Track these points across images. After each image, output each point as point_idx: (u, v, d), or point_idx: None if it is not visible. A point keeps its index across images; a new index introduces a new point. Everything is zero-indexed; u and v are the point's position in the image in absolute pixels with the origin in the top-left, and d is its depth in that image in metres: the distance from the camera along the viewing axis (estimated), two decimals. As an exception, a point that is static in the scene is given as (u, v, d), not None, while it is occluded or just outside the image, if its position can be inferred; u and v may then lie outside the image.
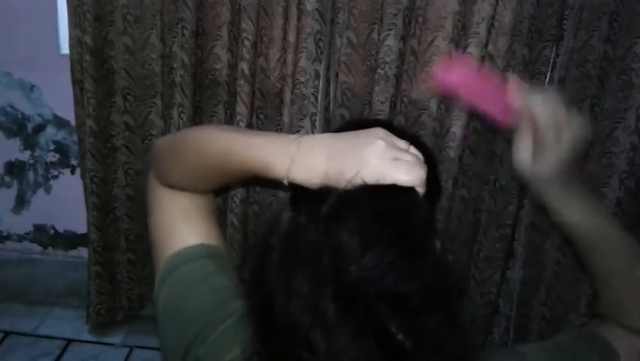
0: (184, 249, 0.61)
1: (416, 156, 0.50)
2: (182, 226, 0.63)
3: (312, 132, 1.28)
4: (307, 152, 0.49)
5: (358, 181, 0.46)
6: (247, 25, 1.20)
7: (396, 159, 0.47)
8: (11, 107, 1.47)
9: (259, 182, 0.60)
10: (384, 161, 0.47)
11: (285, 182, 0.50)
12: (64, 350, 1.51)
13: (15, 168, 1.54)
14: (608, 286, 0.71)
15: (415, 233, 0.46)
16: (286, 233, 0.47)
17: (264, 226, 0.51)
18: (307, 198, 0.48)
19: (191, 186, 0.63)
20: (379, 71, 1.20)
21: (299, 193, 0.52)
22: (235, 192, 1.31)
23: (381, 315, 0.41)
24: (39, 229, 1.61)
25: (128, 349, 1.53)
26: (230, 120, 1.31)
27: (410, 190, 0.47)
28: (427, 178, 0.49)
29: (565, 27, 1.19)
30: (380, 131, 0.49)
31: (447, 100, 1.25)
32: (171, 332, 0.57)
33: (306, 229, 0.45)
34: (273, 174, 0.51)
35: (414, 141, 0.52)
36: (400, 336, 0.41)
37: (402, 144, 0.50)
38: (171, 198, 0.64)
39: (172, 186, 0.64)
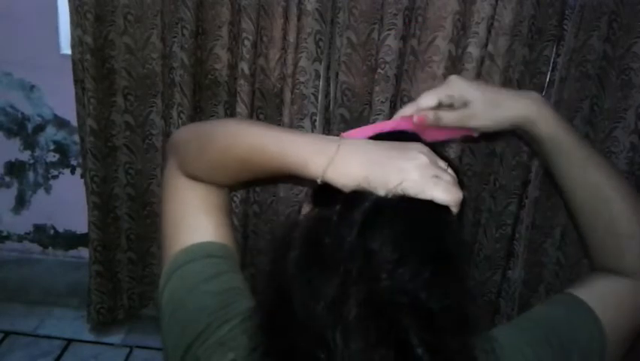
0: (193, 245, 0.60)
1: (454, 177, 0.50)
2: (195, 220, 0.62)
3: (312, 132, 1.28)
4: (347, 154, 0.49)
5: (397, 191, 0.46)
6: (247, 25, 1.20)
7: (436, 176, 0.47)
8: (11, 107, 1.47)
9: (286, 179, 0.60)
10: (424, 176, 0.47)
11: (319, 181, 0.50)
12: (64, 350, 1.50)
13: (15, 168, 1.54)
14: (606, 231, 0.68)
15: (450, 253, 0.46)
16: (310, 229, 0.47)
17: (285, 221, 0.52)
18: (334, 197, 0.48)
19: (214, 178, 0.62)
20: (379, 70, 1.21)
21: (327, 192, 0.51)
22: (235, 193, 1.32)
23: (407, 327, 0.42)
24: (39, 229, 1.61)
25: (128, 349, 1.53)
26: (230, 120, 1.31)
27: (445, 209, 0.48)
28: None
29: (565, 27, 1.19)
30: (422, 147, 0.50)
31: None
32: (172, 329, 0.57)
33: (336, 229, 0.45)
34: (307, 172, 0.51)
35: (449, 163, 0.53)
36: (420, 351, 0.42)
37: (442, 163, 0.50)
38: (189, 189, 0.63)
39: (193, 176, 0.63)
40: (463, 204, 0.50)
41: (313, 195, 0.56)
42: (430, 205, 0.47)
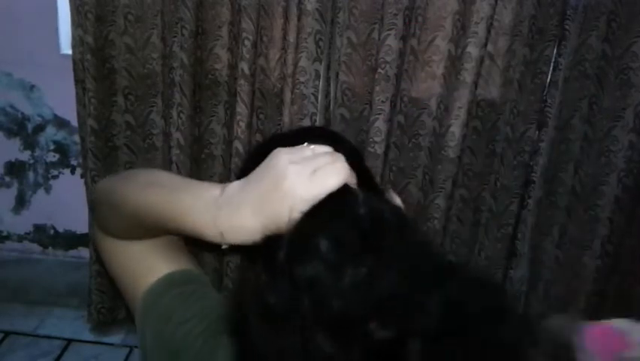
0: (153, 284, 0.58)
1: (324, 151, 0.47)
2: (142, 264, 0.59)
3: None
4: (230, 215, 0.46)
5: (295, 216, 0.43)
6: (247, 25, 1.21)
7: (313, 171, 0.44)
8: (11, 107, 1.47)
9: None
10: (305, 183, 0.44)
11: (224, 247, 0.48)
12: (64, 350, 1.50)
13: (15, 168, 1.54)
14: None
15: (372, 229, 0.43)
16: (255, 299, 0.44)
17: (230, 301, 0.49)
18: (259, 253, 0.46)
19: (138, 239, 0.60)
20: (379, 70, 1.21)
21: (246, 252, 0.49)
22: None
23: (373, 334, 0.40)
24: (39, 229, 1.61)
25: (128, 349, 1.53)
26: (230, 120, 1.31)
27: (345, 189, 0.45)
28: (349, 161, 0.46)
29: (567, 27, 1.20)
30: (281, 155, 0.46)
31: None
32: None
33: (272, 286, 0.42)
34: (208, 239, 0.48)
35: (308, 134, 0.50)
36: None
37: (306, 150, 0.47)
38: (120, 245, 0.60)
39: (116, 237, 0.60)
40: (359, 166, 0.47)
41: (244, 258, 0.54)
42: (330, 200, 0.44)
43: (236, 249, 0.48)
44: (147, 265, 0.59)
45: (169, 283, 0.58)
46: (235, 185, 0.48)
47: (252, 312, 0.44)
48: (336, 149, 0.48)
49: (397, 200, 0.57)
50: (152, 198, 0.53)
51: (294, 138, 0.50)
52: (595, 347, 0.54)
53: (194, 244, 0.61)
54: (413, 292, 0.42)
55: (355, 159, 0.50)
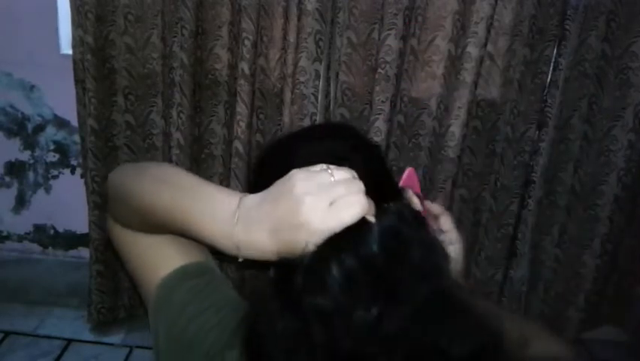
0: (166, 278, 0.57)
1: (343, 178, 0.45)
2: (160, 255, 0.59)
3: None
4: (248, 233, 0.46)
5: (309, 247, 0.43)
6: (247, 25, 1.21)
7: (330, 202, 0.43)
8: (11, 107, 1.47)
9: None
10: (321, 216, 0.43)
11: (240, 260, 0.48)
12: (64, 350, 1.50)
13: (15, 168, 1.54)
14: None
15: (386, 268, 0.44)
16: (266, 322, 0.45)
17: (244, 320, 0.49)
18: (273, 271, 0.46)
19: (151, 233, 0.60)
20: (380, 70, 1.21)
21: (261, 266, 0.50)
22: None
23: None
24: (39, 229, 1.61)
25: (128, 349, 1.52)
26: (230, 120, 1.31)
27: (361, 223, 0.44)
28: (376, 181, 0.46)
29: (567, 27, 1.20)
30: (297, 182, 0.45)
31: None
32: (182, 358, 0.55)
33: (281, 312, 0.43)
34: (223, 250, 0.48)
35: (324, 129, 0.50)
36: None
37: (323, 176, 0.45)
38: (135, 236, 0.60)
39: (130, 228, 0.61)
40: (379, 167, 0.47)
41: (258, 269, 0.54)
42: (347, 233, 0.43)
43: (251, 263, 0.47)
44: (161, 258, 0.59)
45: (182, 275, 0.58)
46: (252, 200, 0.48)
47: (264, 332, 0.44)
48: (356, 154, 0.48)
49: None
50: (165, 200, 0.52)
51: (314, 136, 0.49)
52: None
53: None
54: (422, 337, 0.42)
55: (375, 161, 0.50)
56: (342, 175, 0.45)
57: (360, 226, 0.44)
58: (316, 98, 1.27)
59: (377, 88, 1.23)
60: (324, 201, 0.43)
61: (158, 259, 0.59)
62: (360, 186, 0.45)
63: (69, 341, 1.53)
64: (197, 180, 0.54)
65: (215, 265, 0.62)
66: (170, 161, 1.34)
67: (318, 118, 1.30)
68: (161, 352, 0.57)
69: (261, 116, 1.33)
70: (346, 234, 0.43)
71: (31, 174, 1.55)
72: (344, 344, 0.41)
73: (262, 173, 0.49)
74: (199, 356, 0.53)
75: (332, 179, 0.45)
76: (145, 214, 0.55)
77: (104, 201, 1.39)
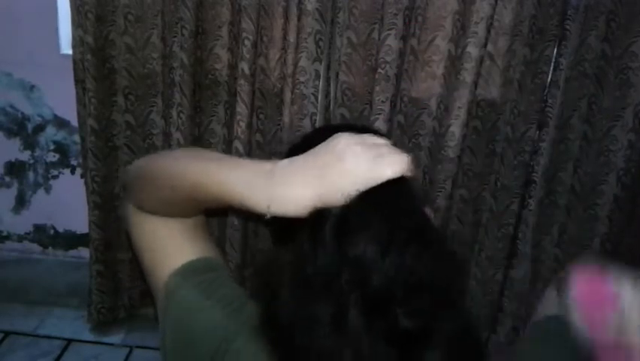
0: (178, 269, 0.58)
1: (387, 142, 0.49)
2: (172, 244, 0.60)
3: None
4: (283, 182, 0.47)
5: (350, 195, 0.45)
6: (247, 25, 1.21)
7: (376, 156, 0.46)
8: (11, 107, 1.47)
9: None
10: (368, 164, 0.45)
11: (268, 217, 0.48)
12: (64, 350, 1.50)
13: (15, 168, 1.54)
14: None
15: (422, 223, 0.47)
16: (292, 266, 0.46)
17: (262, 269, 0.49)
18: (295, 229, 0.47)
19: (171, 214, 0.60)
20: (380, 70, 1.21)
21: (283, 227, 0.51)
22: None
23: (405, 319, 0.43)
24: (39, 229, 1.61)
25: (128, 349, 1.52)
26: (230, 120, 1.31)
27: (401, 180, 0.47)
28: None
29: (567, 27, 1.20)
30: (344, 137, 0.48)
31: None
32: (184, 354, 0.55)
33: (313, 256, 0.44)
34: (252, 208, 0.49)
35: (369, 131, 0.52)
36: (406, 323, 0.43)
37: (368, 138, 0.48)
38: (153, 222, 0.61)
39: (150, 213, 0.61)
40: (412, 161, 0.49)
41: (275, 237, 0.55)
42: (387, 186, 0.46)
43: (277, 222, 0.48)
44: (173, 248, 0.60)
45: (190, 271, 0.58)
46: (289, 160, 0.49)
47: (286, 279, 0.45)
48: None
49: (429, 211, 0.59)
50: (197, 167, 0.54)
51: (354, 131, 0.51)
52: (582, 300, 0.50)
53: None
54: (445, 292, 0.45)
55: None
56: (385, 140, 0.49)
57: (403, 181, 0.46)
58: (316, 98, 1.27)
59: (377, 88, 1.23)
60: (372, 153, 0.46)
61: (171, 249, 0.60)
62: (401, 151, 0.47)
63: (69, 341, 1.53)
64: (228, 155, 0.56)
65: (223, 261, 0.63)
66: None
67: (318, 118, 1.30)
68: (167, 348, 0.57)
69: (261, 116, 1.33)
70: (390, 185, 0.45)
71: (31, 174, 1.55)
72: (374, 285, 0.42)
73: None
74: (205, 352, 0.53)
75: (376, 141, 0.48)
76: (173, 187, 0.56)
77: (104, 201, 1.39)
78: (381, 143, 0.48)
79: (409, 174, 0.47)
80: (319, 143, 0.49)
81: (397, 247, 0.43)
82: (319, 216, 0.46)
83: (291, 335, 0.44)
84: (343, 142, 0.47)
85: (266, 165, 0.49)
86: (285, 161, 0.49)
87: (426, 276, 0.43)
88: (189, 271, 0.58)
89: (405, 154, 0.47)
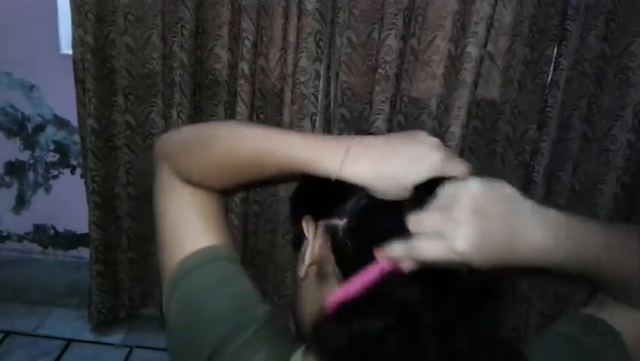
0: (198, 250, 0.57)
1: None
2: (196, 225, 0.60)
3: (312, 132, 1.29)
4: (360, 149, 0.49)
5: (417, 179, 0.47)
6: (247, 25, 1.21)
7: (450, 156, 0.49)
8: (11, 107, 1.47)
9: (287, 179, 0.60)
10: (444, 160, 0.48)
11: (334, 177, 0.48)
12: (64, 350, 1.50)
13: (15, 168, 1.54)
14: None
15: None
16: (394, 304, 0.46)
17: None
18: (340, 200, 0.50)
19: (212, 181, 0.60)
20: (380, 70, 1.21)
21: (327, 201, 0.53)
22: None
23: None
24: (39, 229, 1.61)
25: (128, 349, 1.53)
26: (230, 120, 1.31)
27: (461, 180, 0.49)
28: None
29: (568, 27, 1.20)
30: (425, 134, 0.51)
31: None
32: (189, 338, 0.54)
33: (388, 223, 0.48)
34: (321, 169, 0.49)
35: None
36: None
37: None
38: (186, 194, 0.60)
39: (189, 180, 0.60)
40: None
41: (315, 214, 0.55)
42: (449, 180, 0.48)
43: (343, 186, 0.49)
44: (197, 229, 0.60)
45: (205, 258, 0.58)
46: (372, 136, 0.52)
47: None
48: None
49: None
50: (263, 133, 0.55)
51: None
52: None
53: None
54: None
55: None
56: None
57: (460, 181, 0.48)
58: (316, 98, 1.27)
59: (377, 88, 1.23)
60: (445, 154, 0.49)
61: (193, 230, 0.59)
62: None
63: (69, 341, 1.53)
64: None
65: (236, 254, 0.62)
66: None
67: (318, 118, 1.30)
68: (171, 325, 0.57)
69: (261, 116, 1.33)
70: (450, 182, 0.47)
71: (31, 174, 1.55)
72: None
73: None
74: (208, 339, 0.53)
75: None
76: (232, 149, 0.56)
77: (104, 201, 1.39)
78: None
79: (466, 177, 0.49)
80: None
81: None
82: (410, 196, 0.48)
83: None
84: (428, 141, 0.50)
85: (343, 137, 0.52)
86: (369, 137, 0.51)
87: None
88: (204, 257, 0.58)
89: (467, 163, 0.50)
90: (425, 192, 0.47)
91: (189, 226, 0.60)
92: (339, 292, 0.49)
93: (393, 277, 0.46)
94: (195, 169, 0.60)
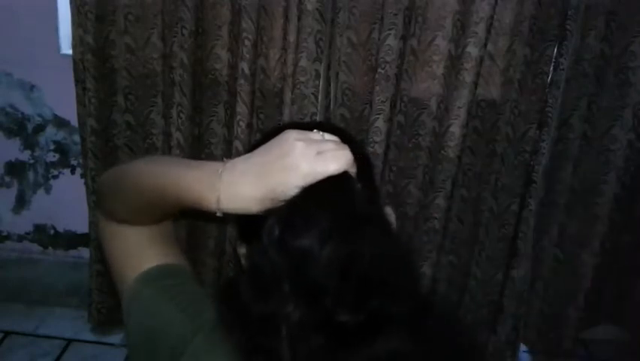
0: (141, 274, 0.61)
1: (333, 140, 0.50)
2: (139, 252, 0.63)
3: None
4: (231, 181, 0.49)
5: (294, 191, 0.47)
6: (247, 25, 1.21)
7: (319, 152, 0.47)
8: (11, 107, 1.48)
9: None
10: (310, 160, 0.47)
11: (219, 214, 0.50)
12: (64, 350, 1.51)
13: (15, 168, 1.54)
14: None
15: (364, 214, 0.47)
16: (250, 266, 0.48)
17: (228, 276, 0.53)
18: (256, 227, 0.49)
19: (139, 221, 0.63)
20: (380, 70, 1.21)
21: (244, 226, 0.54)
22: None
23: (335, 305, 0.44)
24: (39, 228, 1.61)
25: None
26: (230, 120, 1.31)
27: (345, 175, 0.48)
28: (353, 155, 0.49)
29: (568, 27, 1.20)
30: (292, 133, 0.49)
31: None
32: (146, 355, 0.58)
33: (264, 252, 0.45)
34: (205, 207, 0.51)
35: (322, 126, 0.53)
36: (346, 318, 0.44)
37: (315, 135, 0.50)
38: (121, 231, 0.64)
39: (120, 221, 0.64)
40: (361, 158, 0.51)
41: (240, 235, 0.58)
42: (329, 181, 0.47)
43: (230, 219, 0.51)
44: (139, 255, 0.63)
45: (155, 275, 0.61)
46: (238, 158, 0.52)
47: (242, 279, 0.47)
48: (344, 142, 0.51)
49: (392, 217, 0.60)
50: (156, 171, 0.57)
51: (307, 127, 0.52)
52: None
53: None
54: (391, 279, 0.46)
55: (360, 159, 0.52)
56: (332, 137, 0.51)
57: (344, 177, 0.48)
58: (316, 98, 1.27)
59: (377, 88, 1.23)
60: (314, 149, 0.47)
61: (136, 257, 0.63)
62: (347, 147, 0.49)
63: (69, 341, 1.53)
64: (187, 159, 0.60)
65: (188, 268, 0.66)
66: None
67: (318, 118, 1.30)
68: (131, 346, 0.61)
69: (261, 116, 1.33)
70: (330, 181, 0.47)
71: (31, 174, 1.55)
72: (310, 276, 0.43)
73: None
74: (164, 349, 0.56)
75: (323, 137, 0.50)
76: (137, 192, 0.58)
77: (104, 201, 1.39)
78: (328, 139, 0.50)
79: (352, 170, 0.48)
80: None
81: (336, 236, 0.44)
82: (269, 213, 0.47)
83: (242, 333, 0.47)
84: (289, 138, 0.48)
85: (218, 165, 0.51)
86: (237, 159, 0.51)
87: (365, 266, 0.44)
88: (151, 276, 0.61)
89: (348, 150, 0.48)
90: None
91: (131, 257, 0.64)
92: None
93: None
94: (117, 211, 0.63)
